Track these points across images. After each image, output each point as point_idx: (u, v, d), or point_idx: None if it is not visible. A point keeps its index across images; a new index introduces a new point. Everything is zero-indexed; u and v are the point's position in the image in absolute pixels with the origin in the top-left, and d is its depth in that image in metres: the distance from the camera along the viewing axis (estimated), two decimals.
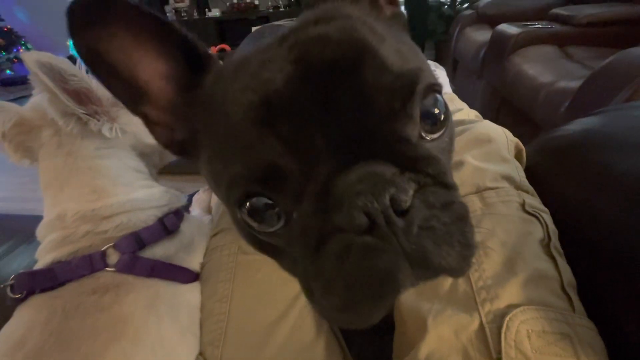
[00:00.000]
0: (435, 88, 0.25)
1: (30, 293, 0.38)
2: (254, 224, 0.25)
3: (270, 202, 0.23)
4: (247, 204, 0.24)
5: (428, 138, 0.25)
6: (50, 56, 0.36)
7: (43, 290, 0.37)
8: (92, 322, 0.35)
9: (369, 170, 0.21)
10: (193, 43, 0.28)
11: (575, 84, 1.09)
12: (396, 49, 0.25)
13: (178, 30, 0.27)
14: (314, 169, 0.22)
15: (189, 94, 0.28)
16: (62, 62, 0.37)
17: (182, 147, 0.31)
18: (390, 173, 0.21)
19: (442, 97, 0.26)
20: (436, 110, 0.25)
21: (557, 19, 1.58)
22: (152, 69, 0.28)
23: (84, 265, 0.38)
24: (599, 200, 0.37)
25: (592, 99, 1.00)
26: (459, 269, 0.23)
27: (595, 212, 0.37)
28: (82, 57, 0.25)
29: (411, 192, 0.21)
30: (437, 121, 0.25)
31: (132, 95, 0.28)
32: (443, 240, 0.21)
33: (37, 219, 0.43)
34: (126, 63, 0.26)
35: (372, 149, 0.22)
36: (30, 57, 0.34)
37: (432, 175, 0.23)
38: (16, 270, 0.39)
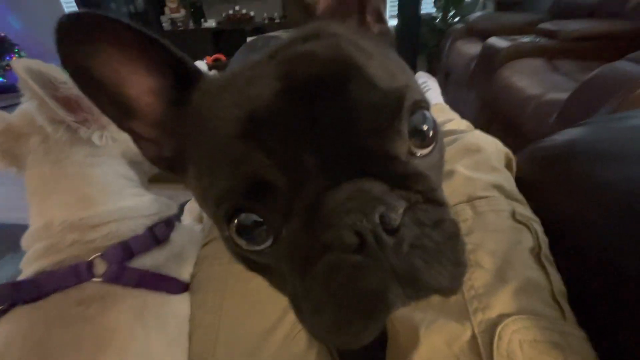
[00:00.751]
0: (422, 105, 0.25)
1: (13, 304, 0.36)
2: (242, 242, 0.24)
3: (258, 219, 0.23)
4: (235, 221, 0.23)
5: (418, 154, 0.25)
6: (40, 63, 0.36)
7: (27, 302, 0.36)
8: (75, 333, 0.34)
9: (358, 188, 0.20)
10: (181, 59, 0.28)
11: (562, 96, 1.12)
12: (383, 66, 0.25)
13: (166, 46, 0.26)
14: (302, 185, 0.21)
15: (177, 110, 0.28)
16: (53, 70, 0.37)
17: (170, 162, 0.31)
18: (380, 190, 0.21)
19: (430, 114, 0.26)
20: (425, 127, 0.25)
21: (544, 33, 1.63)
22: (140, 85, 0.28)
23: (70, 275, 0.37)
24: (585, 209, 0.38)
25: (579, 110, 1.02)
26: (451, 288, 0.22)
27: (582, 220, 0.37)
28: (69, 73, 0.25)
29: (401, 210, 0.20)
30: (425, 137, 0.25)
31: (119, 110, 0.28)
32: (434, 259, 0.21)
33: (25, 228, 0.42)
34: (114, 79, 0.26)
35: (361, 166, 0.22)
36: (20, 64, 0.34)
37: (422, 192, 0.22)
38: (1, 280, 0.38)
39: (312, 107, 0.22)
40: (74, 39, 0.24)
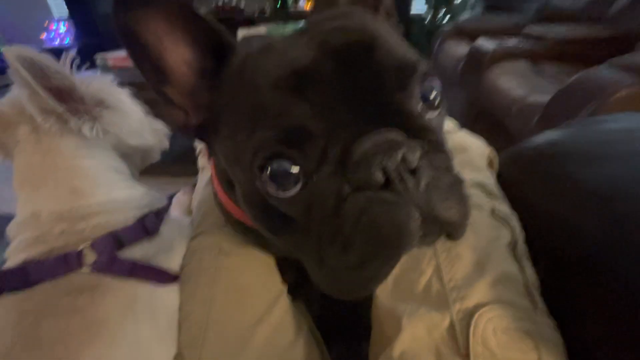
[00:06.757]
0: (430, 75, 0.28)
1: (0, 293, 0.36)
2: (273, 188, 0.26)
3: (289, 168, 0.25)
4: (269, 169, 0.25)
5: (427, 116, 0.28)
6: (33, 52, 0.36)
7: (13, 291, 0.36)
8: (65, 324, 0.34)
9: (383, 136, 0.24)
10: (220, 35, 0.30)
11: (545, 98, 1.16)
12: (399, 44, 0.29)
13: (209, 24, 0.29)
14: (335, 133, 0.24)
15: (210, 80, 0.31)
16: (45, 59, 0.36)
17: (196, 129, 0.33)
18: (400, 138, 0.24)
19: (437, 84, 0.29)
20: (432, 95, 0.28)
21: (530, 36, 1.67)
22: (178, 56, 0.30)
23: (59, 265, 0.37)
24: (562, 206, 0.40)
25: (559, 113, 1.06)
26: (459, 224, 0.26)
27: (558, 217, 0.40)
28: (119, 33, 0.27)
29: (418, 153, 0.23)
30: (432, 103, 0.29)
31: (156, 75, 0.30)
32: (447, 197, 0.24)
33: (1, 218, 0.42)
34: (156, 46, 0.28)
35: (384, 118, 0.25)
36: (12, 52, 0.34)
37: (433, 142, 0.26)
38: None
39: (345, 68, 0.25)
40: (132, 2, 0.26)
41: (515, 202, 0.46)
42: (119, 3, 0.26)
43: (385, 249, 0.23)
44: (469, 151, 0.50)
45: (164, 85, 0.30)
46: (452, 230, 0.26)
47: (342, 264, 0.25)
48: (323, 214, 0.25)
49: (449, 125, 0.66)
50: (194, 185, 0.73)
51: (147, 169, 0.60)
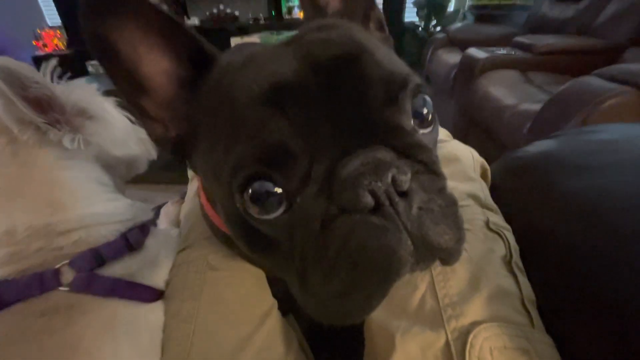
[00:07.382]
0: (422, 89, 0.27)
1: None
2: (255, 210, 0.24)
3: (272, 189, 0.24)
4: (250, 190, 0.24)
5: (420, 132, 0.27)
6: (9, 60, 0.34)
7: None
8: (38, 346, 0.32)
9: (371, 155, 0.22)
10: (200, 43, 0.29)
11: (535, 107, 1.17)
12: (388, 56, 0.28)
13: (187, 31, 0.28)
14: (319, 152, 0.23)
15: (190, 90, 0.29)
16: (23, 67, 0.35)
17: (175, 143, 0.31)
18: (390, 157, 0.23)
19: (429, 98, 0.28)
20: (425, 110, 0.27)
21: (519, 46, 1.70)
22: (155, 65, 0.28)
23: (33, 284, 0.35)
24: (553, 217, 0.40)
25: (549, 122, 1.07)
26: (454, 251, 0.24)
27: (550, 228, 0.39)
28: (89, 42, 0.25)
29: (409, 174, 0.22)
30: (425, 119, 0.27)
31: (131, 86, 0.28)
32: (440, 221, 0.23)
33: None
34: (131, 55, 0.27)
35: (371, 135, 0.24)
36: None
37: (425, 162, 0.24)
38: None
39: (329, 82, 0.24)
40: (98, 10, 0.24)
41: (508, 212, 0.45)
42: (87, 9, 0.24)
43: (372, 277, 0.22)
44: (461, 161, 0.50)
45: (139, 96, 0.29)
46: (446, 256, 0.24)
47: (325, 291, 0.23)
48: (307, 237, 0.23)
49: (443, 133, 0.66)
50: (184, 195, 0.71)
51: (138, 177, 0.58)
